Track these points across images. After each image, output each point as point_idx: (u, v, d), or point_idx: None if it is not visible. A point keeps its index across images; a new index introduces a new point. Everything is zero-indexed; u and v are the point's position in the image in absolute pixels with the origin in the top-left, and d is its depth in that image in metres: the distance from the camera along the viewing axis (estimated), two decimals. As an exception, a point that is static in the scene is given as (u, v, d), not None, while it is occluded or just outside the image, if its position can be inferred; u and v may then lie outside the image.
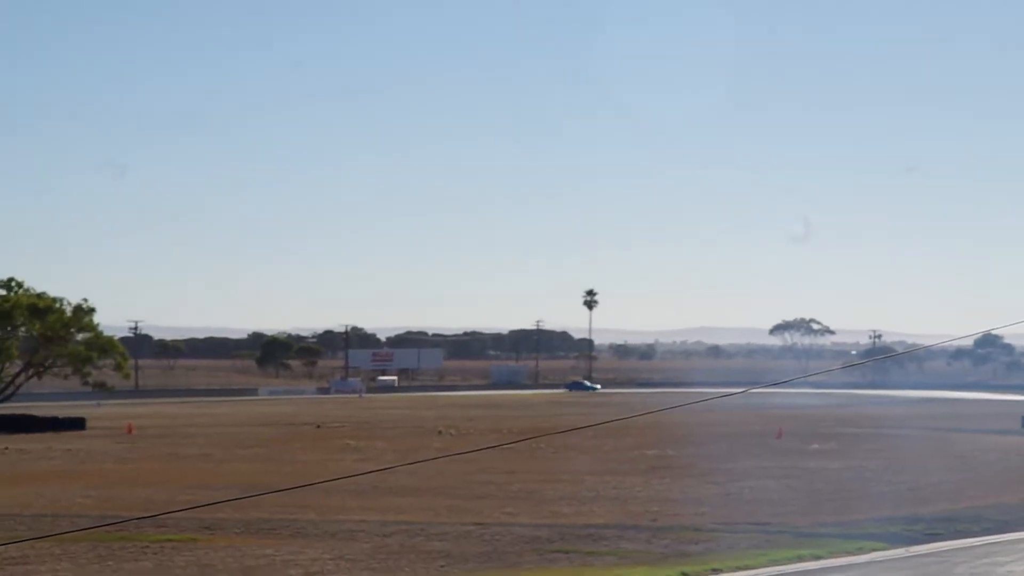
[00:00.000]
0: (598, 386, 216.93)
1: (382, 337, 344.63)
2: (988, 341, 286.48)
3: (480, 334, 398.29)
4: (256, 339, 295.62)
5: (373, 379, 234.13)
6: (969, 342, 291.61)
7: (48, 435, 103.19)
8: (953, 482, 63.87)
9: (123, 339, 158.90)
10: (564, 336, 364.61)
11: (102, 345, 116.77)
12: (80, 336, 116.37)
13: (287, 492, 48.15)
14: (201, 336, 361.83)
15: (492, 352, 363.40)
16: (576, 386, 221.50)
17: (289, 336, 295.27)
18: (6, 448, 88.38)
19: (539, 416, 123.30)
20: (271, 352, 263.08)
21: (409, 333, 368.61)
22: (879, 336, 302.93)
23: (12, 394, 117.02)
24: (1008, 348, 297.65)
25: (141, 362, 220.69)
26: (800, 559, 40.11)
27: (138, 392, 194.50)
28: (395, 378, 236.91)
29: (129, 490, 59.92)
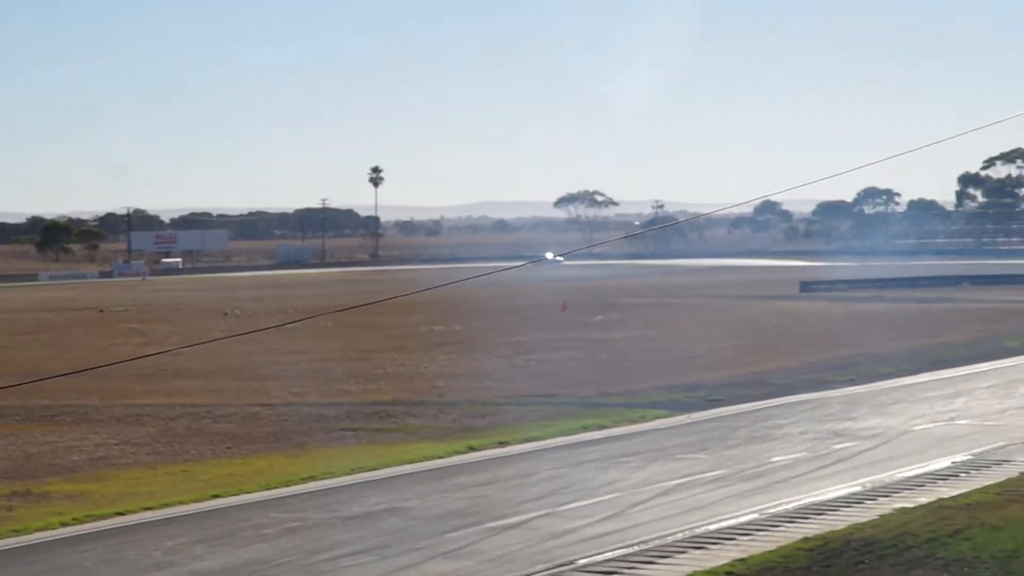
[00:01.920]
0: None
1: (165, 219, 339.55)
2: (767, 208, 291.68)
3: (266, 214, 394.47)
4: (35, 223, 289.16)
5: (157, 262, 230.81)
6: (749, 210, 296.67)
7: None
8: (734, 348, 65.20)
9: None
10: (350, 214, 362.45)
11: None
12: None
13: (69, 378, 47.33)
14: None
15: (278, 232, 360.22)
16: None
17: (69, 220, 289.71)
18: None
19: (325, 295, 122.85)
20: (51, 236, 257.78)
21: (193, 214, 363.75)
22: (661, 206, 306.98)
23: None
24: (786, 215, 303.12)
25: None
26: (585, 429, 40.68)
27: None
28: (179, 260, 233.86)
29: (-95, 381, 58.45)
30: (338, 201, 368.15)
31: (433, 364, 60.99)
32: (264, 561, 24.93)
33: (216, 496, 31.11)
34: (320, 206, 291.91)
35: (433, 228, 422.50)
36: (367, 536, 26.63)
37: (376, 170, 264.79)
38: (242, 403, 48.58)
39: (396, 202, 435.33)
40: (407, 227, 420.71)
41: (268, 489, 31.82)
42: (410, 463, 35.20)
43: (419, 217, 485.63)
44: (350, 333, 77.83)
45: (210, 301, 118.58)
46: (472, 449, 37.35)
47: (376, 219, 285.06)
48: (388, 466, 34.73)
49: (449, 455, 36.50)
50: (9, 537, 27.49)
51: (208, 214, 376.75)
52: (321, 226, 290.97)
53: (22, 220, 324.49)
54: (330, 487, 32.09)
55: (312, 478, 33.07)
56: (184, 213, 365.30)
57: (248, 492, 31.53)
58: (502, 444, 38.16)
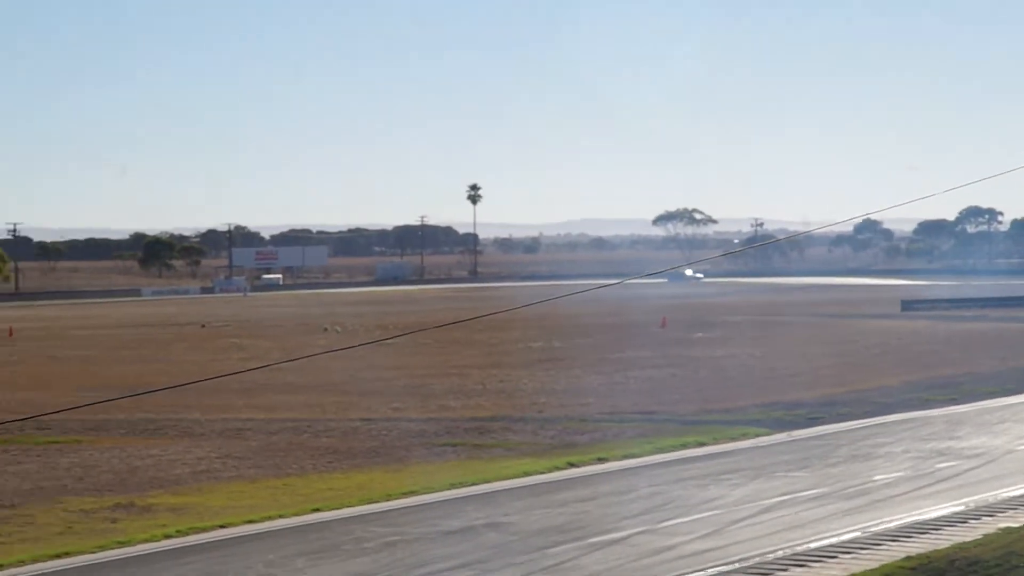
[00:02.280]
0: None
1: (266, 236, 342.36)
2: (868, 227, 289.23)
3: (365, 231, 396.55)
4: (138, 240, 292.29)
5: (258, 278, 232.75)
6: (849, 228, 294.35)
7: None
8: (834, 367, 64.73)
9: (1, 242, 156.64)
10: (449, 231, 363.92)
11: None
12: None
13: (172, 392, 47.89)
14: (82, 238, 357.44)
15: (377, 249, 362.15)
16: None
17: (171, 236, 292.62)
18: None
19: (424, 311, 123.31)
20: (154, 252, 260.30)
21: (293, 231, 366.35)
22: (761, 224, 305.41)
23: None
24: (887, 233, 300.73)
25: (21, 264, 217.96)
26: (685, 446, 40.53)
27: (18, 295, 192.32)
28: (280, 276, 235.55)
29: (10, 393, 59.25)
30: (437, 218, 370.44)
31: (532, 380, 60.99)
32: (364, 575, 25.03)
33: (317, 510, 31.29)
34: (419, 223, 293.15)
35: (531, 245, 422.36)
36: (467, 551, 26.67)
37: (474, 187, 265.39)
38: (343, 418, 48.83)
39: (494, 219, 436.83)
40: (505, 244, 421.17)
41: (369, 503, 31.95)
42: (510, 479, 35.21)
43: (517, 234, 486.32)
44: (449, 349, 78.01)
45: (310, 317, 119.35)
46: (572, 465, 37.32)
47: (474, 236, 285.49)
48: (488, 481, 34.77)
49: (549, 471, 36.49)
50: (114, 549, 27.79)
51: (308, 231, 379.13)
52: (420, 243, 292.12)
53: (125, 236, 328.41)
54: (430, 502, 32.17)
55: (412, 493, 33.18)
56: (284, 230, 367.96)
57: (349, 506, 31.69)
58: (601, 460, 38.10)
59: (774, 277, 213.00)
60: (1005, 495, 31.36)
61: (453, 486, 33.98)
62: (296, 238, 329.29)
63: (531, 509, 30.87)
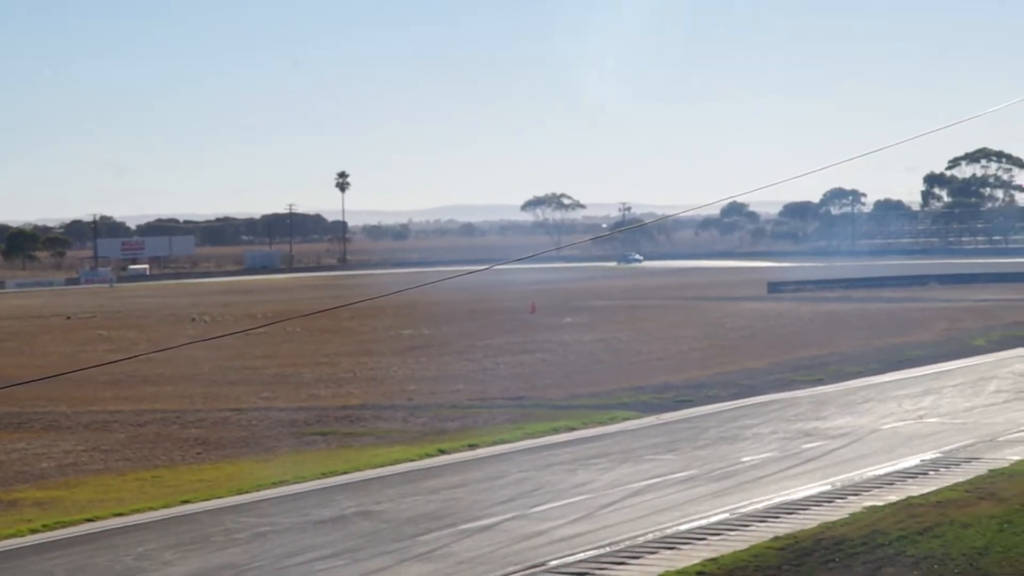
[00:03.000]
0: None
1: (132, 226, 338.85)
2: (734, 210, 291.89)
3: (233, 220, 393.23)
4: (0, 231, 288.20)
5: (124, 268, 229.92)
6: (716, 212, 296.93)
7: None
8: (702, 349, 65.34)
9: None
10: (318, 219, 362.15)
11: None
12: None
13: (38, 385, 47.23)
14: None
15: (245, 238, 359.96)
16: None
17: (35, 227, 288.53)
18: None
19: (293, 300, 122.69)
20: (17, 244, 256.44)
21: (160, 221, 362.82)
22: (628, 209, 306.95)
23: None
24: (753, 216, 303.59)
25: None
26: (555, 431, 40.70)
27: None
28: (147, 267, 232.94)
29: None
30: (305, 206, 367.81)
31: (403, 368, 60.94)
32: (235, 566, 24.88)
33: (187, 502, 31.04)
34: (287, 211, 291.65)
35: (400, 232, 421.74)
36: (338, 540, 26.61)
37: (343, 175, 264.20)
38: (212, 408, 48.49)
39: (363, 207, 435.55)
40: (374, 231, 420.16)
41: (239, 494, 31.75)
42: (381, 467, 35.18)
43: (386, 221, 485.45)
44: (319, 338, 77.69)
45: (178, 307, 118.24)
46: (442, 452, 37.35)
47: (343, 224, 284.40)
48: (359, 470, 34.72)
49: (420, 458, 36.50)
50: (-21, 545, 27.40)
51: (175, 220, 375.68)
52: (288, 231, 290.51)
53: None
54: (301, 491, 32.04)
55: (283, 483, 33.03)
56: (151, 220, 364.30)
57: (219, 497, 31.48)
58: (472, 447, 38.17)
59: (642, 261, 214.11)
60: (870, 474, 31.82)
61: (324, 475, 33.87)
62: (163, 228, 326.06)
63: (402, 497, 30.86)
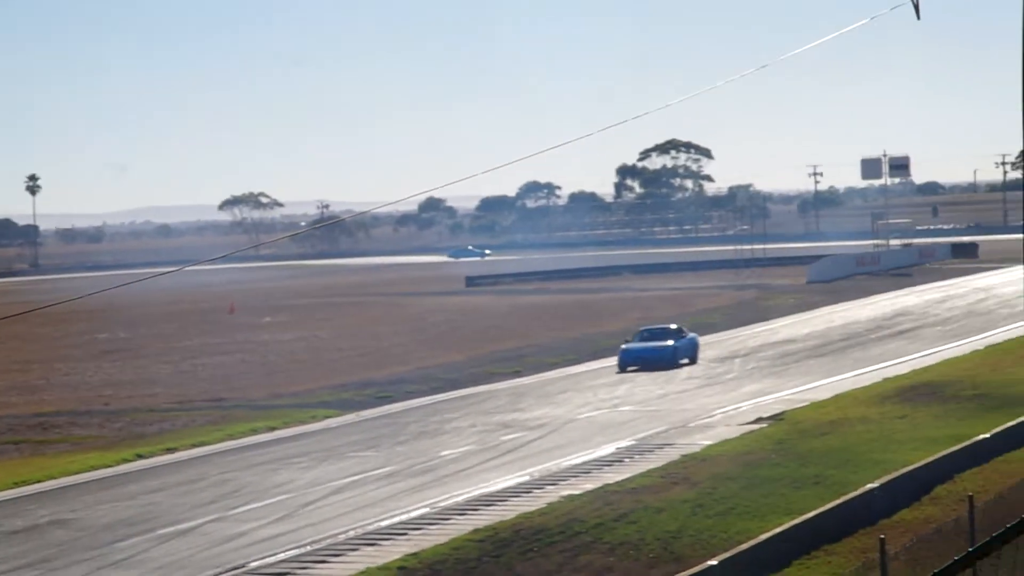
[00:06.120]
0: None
1: None
2: (431, 205, 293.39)
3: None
4: None
5: None
6: (414, 207, 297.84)
7: None
8: (402, 345, 65.61)
9: None
10: (7, 224, 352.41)
11: None
12: None
13: None
14: None
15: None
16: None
17: None
18: None
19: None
20: None
21: None
22: (327, 206, 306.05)
23: None
24: (451, 211, 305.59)
25: None
26: (255, 432, 40.50)
27: None
28: None
29: None
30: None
31: (98, 373, 59.84)
32: (-76, 582, 24.17)
33: None
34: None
35: (95, 235, 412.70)
36: (31, 550, 26.04)
37: (33, 178, 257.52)
38: None
39: (55, 210, 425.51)
40: (68, 235, 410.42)
41: (-74, 508, 30.81)
42: (76, 474, 34.55)
43: (80, 224, 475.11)
44: (9, 345, 75.62)
45: None
46: (140, 457, 36.87)
47: (35, 227, 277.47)
48: (53, 478, 34.03)
49: (117, 464, 35.93)
50: None
51: None
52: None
53: None
54: (-8, 503, 31.25)
55: (-28, 494, 32.16)
56: None
57: (-96, 512, 30.49)
58: (171, 450, 37.73)
59: (342, 259, 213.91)
60: (567, 463, 32.37)
61: (16, 484, 33.14)
62: None
63: (99, 504, 30.34)
